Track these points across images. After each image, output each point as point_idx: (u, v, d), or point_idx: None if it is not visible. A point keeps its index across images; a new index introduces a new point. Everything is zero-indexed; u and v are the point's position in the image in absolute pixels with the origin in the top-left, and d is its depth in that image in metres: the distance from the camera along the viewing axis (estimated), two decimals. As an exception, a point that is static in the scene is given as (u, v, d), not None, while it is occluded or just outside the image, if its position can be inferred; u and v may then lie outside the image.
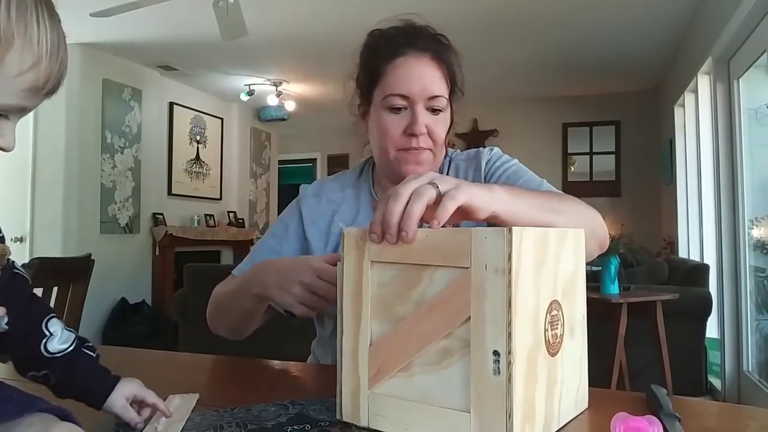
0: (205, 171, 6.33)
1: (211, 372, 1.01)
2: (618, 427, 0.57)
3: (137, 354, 1.19)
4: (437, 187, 0.65)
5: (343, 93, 1.09)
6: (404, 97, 0.98)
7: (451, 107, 1.06)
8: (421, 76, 0.99)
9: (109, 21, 3.64)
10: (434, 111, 1.00)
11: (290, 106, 6.31)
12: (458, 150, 1.17)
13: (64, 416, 0.46)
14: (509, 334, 0.54)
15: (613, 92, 6.27)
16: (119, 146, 5.09)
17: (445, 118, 1.03)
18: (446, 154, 1.12)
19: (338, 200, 1.11)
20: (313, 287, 0.87)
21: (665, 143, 5.45)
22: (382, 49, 1.02)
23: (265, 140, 7.43)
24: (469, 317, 0.57)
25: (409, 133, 0.99)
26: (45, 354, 0.63)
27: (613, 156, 6.51)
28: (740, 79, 3.33)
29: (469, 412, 0.57)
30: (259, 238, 6.98)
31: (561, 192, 0.98)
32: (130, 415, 0.64)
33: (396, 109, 1.00)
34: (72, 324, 1.57)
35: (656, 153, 5.92)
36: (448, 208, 0.62)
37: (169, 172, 5.80)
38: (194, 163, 6.17)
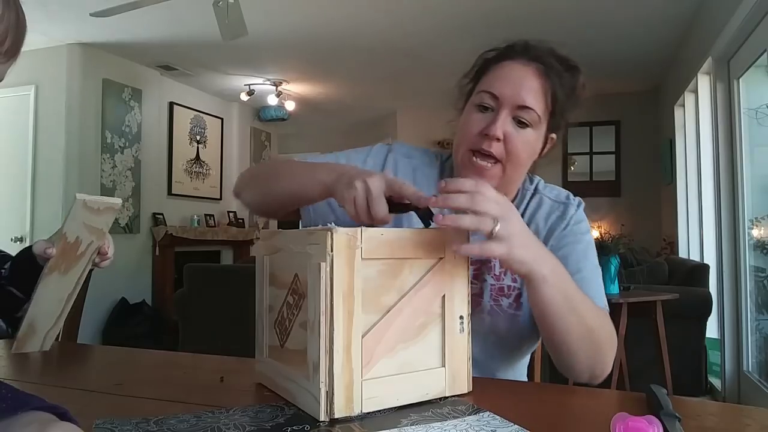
0: (205, 171, 6.33)
1: (210, 372, 1.01)
2: (618, 427, 0.57)
3: (137, 354, 1.19)
4: (495, 224, 0.73)
5: (456, 91, 1.05)
6: (494, 97, 0.94)
7: (547, 135, 0.99)
8: (517, 82, 0.94)
9: (109, 21, 3.64)
10: (520, 123, 0.94)
11: (290, 106, 6.31)
12: (544, 182, 1.09)
13: (60, 414, 0.46)
14: (468, 302, 0.76)
15: (613, 92, 6.26)
16: (119, 146, 5.09)
17: (531, 136, 0.95)
18: (532, 182, 1.07)
19: (416, 175, 1.06)
20: (371, 192, 0.78)
21: (665, 143, 5.45)
22: (498, 52, 1.00)
23: (265, 140, 7.43)
24: (445, 295, 0.73)
25: (484, 133, 0.94)
26: None
27: (613, 156, 6.51)
28: (740, 79, 3.32)
29: (444, 366, 0.73)
30: (260, 238, 7.00)
31: (601, 306, 0.94)
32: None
33: (483, 108, 0.96)
34: (72, 324, 1.57)
35: (656, 153, 5.92)
36: (484, 251, 0.74)
37: (169, 172, 5.80)
38: (194, 163, 6.17)
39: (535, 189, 1.07)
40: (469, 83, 1.03)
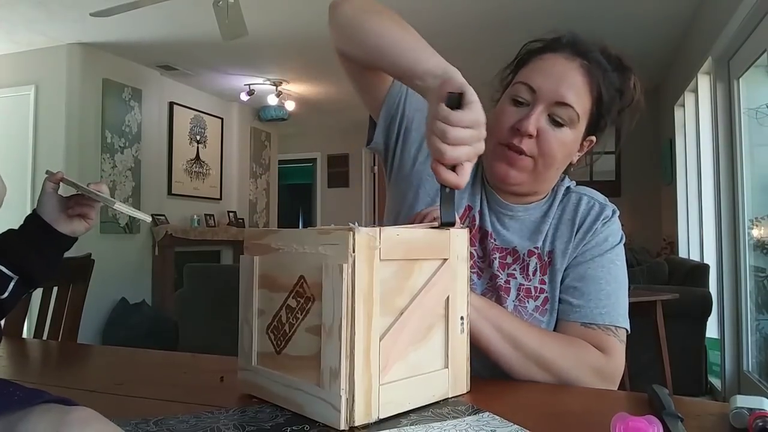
0: (205, 171, 6.33)
1: (210, 372, 1.01)
2: (618, 427, 0.57)
3: (137, 354, 1.19)
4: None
5: (496, 80, 0.99)
6: (531, 90, 0.88)
7: (585, 137, 0.93)
8: (559, 76, 0.88)
9: (109, 21, 3.64)
10: (556, 122, 0.88)
11: (290, 106, 6.31)
12: (574, 184, 1.03)
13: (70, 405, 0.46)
14: (468, 303, 0.76)
15: (613, 92, 6.27)
16: (119, 146, 5.09)
17: (567, 136, 0.89)
18: (566, 181, 1.01)
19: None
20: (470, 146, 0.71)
21: (665, 143, 5.45)
22: (543, 44, 0.94)
23: (265, 140, 7.43)
24: (449, 296, 0.73)
25: (516, 127, 0.88)
26: None
27: (613, 156, 6.50)
28: (740, 79, 3.32)
29: (447, 368, 0.73)
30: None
31: (613, 323, 0.92)
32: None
33: (518, 102, 0.90)
34: (72, 324, 1.56)
35: (656, 153, 5.92)
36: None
37: (169, 172, 5.80)
38: (194, 163, 6.17)
39: (568, 189, 1.01)
40: (509, 74, 0.97)
